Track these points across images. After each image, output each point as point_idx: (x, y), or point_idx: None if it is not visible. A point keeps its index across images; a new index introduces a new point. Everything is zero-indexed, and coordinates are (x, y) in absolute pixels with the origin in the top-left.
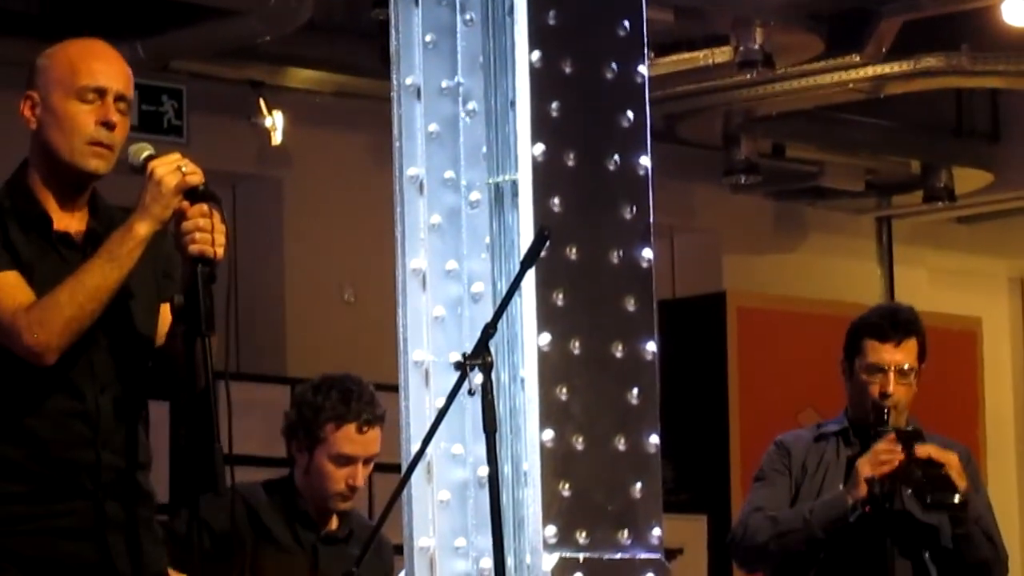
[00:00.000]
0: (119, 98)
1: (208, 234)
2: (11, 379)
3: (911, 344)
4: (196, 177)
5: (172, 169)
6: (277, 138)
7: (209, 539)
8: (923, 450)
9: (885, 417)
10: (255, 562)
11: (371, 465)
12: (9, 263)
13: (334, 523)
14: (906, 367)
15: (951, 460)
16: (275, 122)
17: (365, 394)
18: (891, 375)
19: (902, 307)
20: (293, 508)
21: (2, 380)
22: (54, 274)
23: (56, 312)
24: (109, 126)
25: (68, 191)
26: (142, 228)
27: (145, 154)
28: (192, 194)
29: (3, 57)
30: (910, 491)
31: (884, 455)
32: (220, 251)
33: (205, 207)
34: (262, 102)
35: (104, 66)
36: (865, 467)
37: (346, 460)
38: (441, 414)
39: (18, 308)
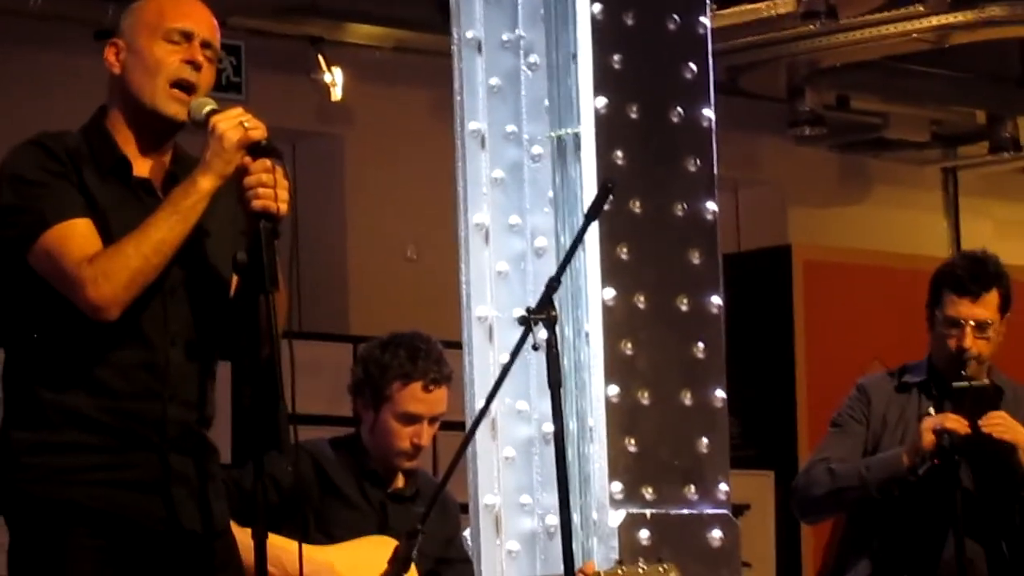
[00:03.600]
0: (205, 44)
1: (271, 189)
2: (82, 329)
3: (991, 297)
4: (258, 132)
5: (234, 124)
6: (337, 94)
7: (276, 494)
8: (989, 425)
9: (963, 371)
10: (322, 517)
11: (437, 424)
12: (82, 210)
13: (401, 481)
14: (987, 321)
15: (1019, 439)
16: (335, 78)
17: (433, 353)
18: (968, 329)
19: (985, 258)
20: (361, 465)
21: (73, 330)
22: (133, 220)
23: (121, 264)
24: (195, 65)
25: (148, 137)
26: (205, 182)
27: (207, 109)
28: (254, 149)
29: (66, 15)
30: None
31: (950, 424)
32: (283, 207)
33: (268, 162)
34: (321, 58)
35: (192, 10)
36: (928, 432)
37: (412, 419)
38: (505, 370)
39: (83, 259)
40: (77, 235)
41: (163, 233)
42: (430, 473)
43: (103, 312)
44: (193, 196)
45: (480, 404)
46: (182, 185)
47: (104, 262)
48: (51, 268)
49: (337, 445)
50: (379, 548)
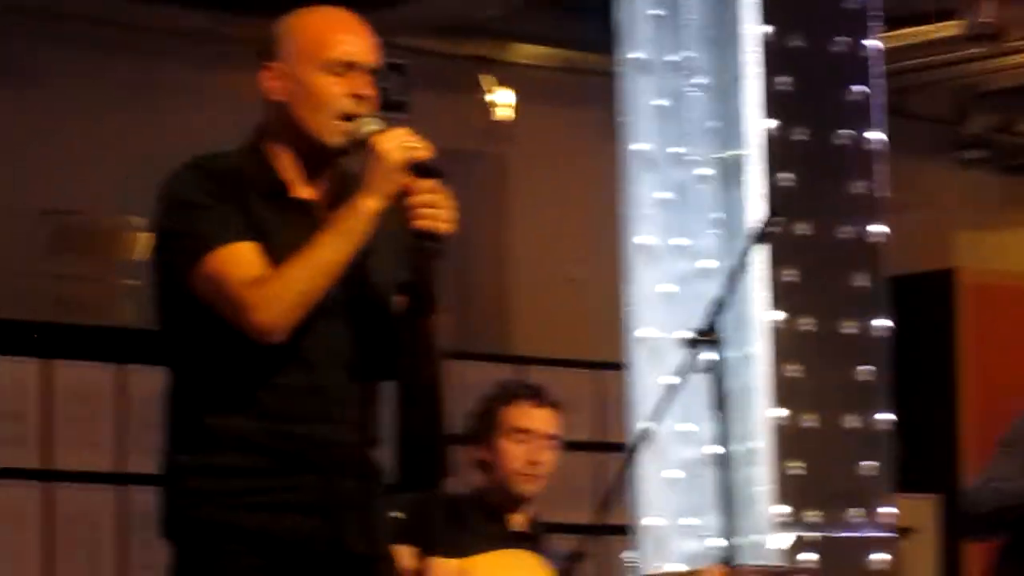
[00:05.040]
0: (369, 71)
1: (434, 210)
2: (245, 352)
3: None
4: (423, 152)
5: (398, 144)
6: (502, 114)
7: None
8: None
9: None
10: (454, 551)
11: (554, 448)
12: (245, 233)
13: (522, 519)
14: None
15: None
16: (500, 98)
17: (534, 384)
18: None
19: None
20: (483, 508)
21: (236, 353)
22: (295, 242)
23: (286, 287)
24: (359, 98)
25: (310, 163)
26: (368, 203)
27: (372, 128)
28: (419, 169)
29: (225, 34)
30: None
31: None
32: (447, 227)
33: (432, 182)
34: (487, 78)
35: (354, 37)
36: None
37: (523, 435)
38: (670, 392)
39: (247, 282)
40: (240, 258)
41: (327, 255)
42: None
43: (268, 335)
44: (356, 217)
45: (642, 425)
46: (346, 206)
47: (268, 285)
48: (214, 292)
49: (462, 496)
50: (520, 559)
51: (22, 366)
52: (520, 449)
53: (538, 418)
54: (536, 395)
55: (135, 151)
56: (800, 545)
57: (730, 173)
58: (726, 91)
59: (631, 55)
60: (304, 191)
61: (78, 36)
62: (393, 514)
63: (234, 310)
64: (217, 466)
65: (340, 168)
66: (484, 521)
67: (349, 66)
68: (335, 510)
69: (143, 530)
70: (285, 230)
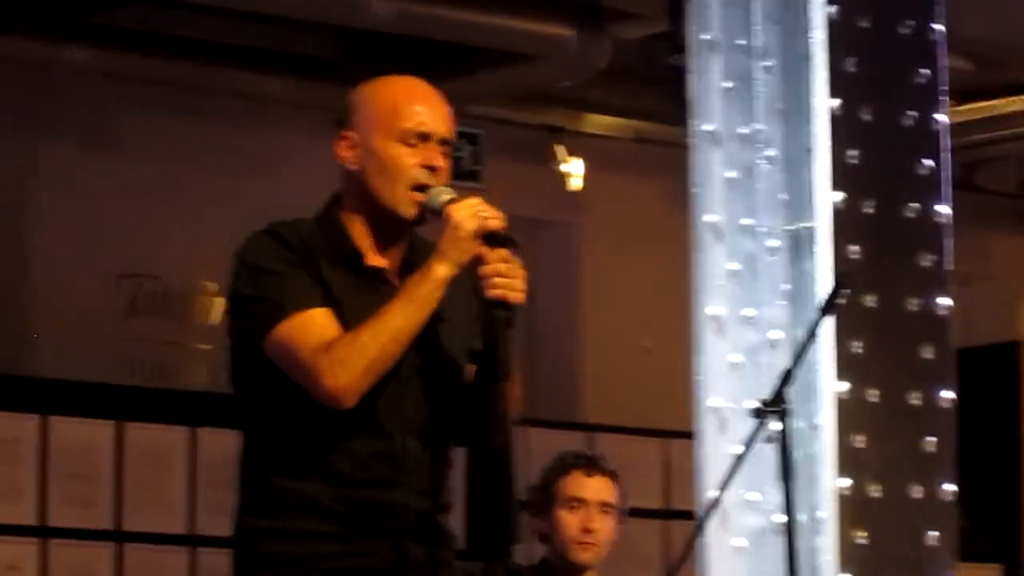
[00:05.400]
0: (442, 141)
1: (507, 279)
2: (317, 417)
3: None
4: (496, 222)
5: (471, 213)
6: (575, 184)
7: None
8: None
9: None
10: None
11: (611, 515)
12: (319, 300)
13: None
14: None
15: None
16: (573, 168)
17: (589, 453)
18: None
19: None
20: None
21: (308, 418)
22: (368, 309)
23: (358, 353)
24: (432, 169)
25: (384, 231)
26: (441, 271)
27: (445, 197)
28: (491, 238)
29: (305, 101)
30: None
31: None
32: (519, 296)
33: (504, 252)
34: (560, 147)
35: (428, 108)
36: None
37: (576, 503)
38: (738, 461)
39: (319, 348)
40: (314, 324)
41: (399, 321)
42: None
43: (339, 401)
44: (429, 285)
45: (712, 494)
46: (418, 273)
47: (340, 351)
48: (287, 358)
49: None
50: None
51: (96, 428)
52: (575, 518)
53: (591, 487)
54: (590, 464)
55: (212, 216)
56: None
57: (799, 245)
58: (796, 163)
59: (703, 127)
60: (377, 259)
61: (159, 100)
62: None
63: (306, 376)
64: (289, 530)
65: (413, 237)
66: None
67: (423, 137)
68: (405, 575)
69: None
70: (358, 298)
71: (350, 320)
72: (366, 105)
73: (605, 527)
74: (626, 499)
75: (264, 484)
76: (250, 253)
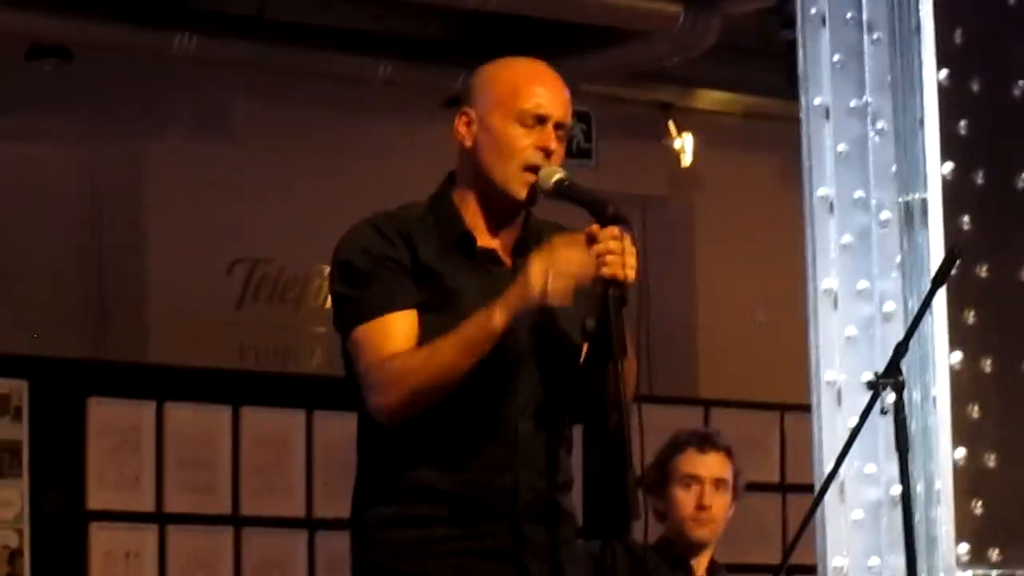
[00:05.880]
0: (559, 125)
1: (619, 257)
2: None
3: None
4: (566, 284)
5: (546, 277)
6: (687, 160)
7: (627, 558)
8: None
9: None
10: None
11: (726, 493)
12: (403, 300)
13: (704, 564)
14: None
15: None
16: (684, 144)
17: (703, 431)
18: None
19: None
20: (666, 554)
21: None
22: (480, 290)
23: (406, 377)
24: (547, 152)
25: (495, 212)
26: (499, 320)
27: (556, 177)
28: (602, 217)
29: (417, 83)
30: None
31: None
32: (631, 273)
33: (616, 230)
34: (671, 124)
35: (547, 91)
36: None
37: (690, 480)
38: (854, 434)
39: (378, 361)
40: (383, 334)
41: (449, 359)
42: None
43: (384, 417)
44: (484, 334)
45: (829, 467)
46: (480, 315)
47: (392, 370)
48: (353, 364)
49: (647, 546)
50: None
51: (212, 414)
52: (690, 495)
53: (705, 463)
54: (704, 441)
55: (324, 199)
56: None
57: (911, 217)
58: (907, 135)
59: (813, 101)
60: (489, 240)
61: (268, 86)
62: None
63: (361, 385)
64: (407, 516)
65: (529, 218)
66: (667, 570)
67: (540, 119)
68: (525, 556)
69: (332, 574)
70: (466, 277)
71: (459, 300)
72: (487, 83)
73: (720, 503)
74: (742, 475)
75: (381, 471)
76: (343, 249)
